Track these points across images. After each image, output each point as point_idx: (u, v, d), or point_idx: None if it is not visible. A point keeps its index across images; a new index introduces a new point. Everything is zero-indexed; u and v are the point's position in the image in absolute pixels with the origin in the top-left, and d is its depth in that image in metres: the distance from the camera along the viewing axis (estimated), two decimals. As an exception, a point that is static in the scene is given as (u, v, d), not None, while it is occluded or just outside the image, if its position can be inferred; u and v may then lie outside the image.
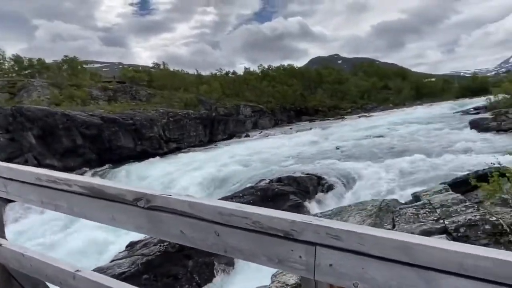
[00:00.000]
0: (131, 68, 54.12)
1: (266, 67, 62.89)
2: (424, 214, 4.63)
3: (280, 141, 23.85)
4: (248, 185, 11.72)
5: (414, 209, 4.80)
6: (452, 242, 0.83)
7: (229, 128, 34.72)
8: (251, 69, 60.82)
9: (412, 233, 4.40)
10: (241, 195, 9.93)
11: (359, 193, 10.02)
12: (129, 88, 34.28)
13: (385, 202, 5.52)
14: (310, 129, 30.62)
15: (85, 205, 1.45)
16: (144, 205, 1.22)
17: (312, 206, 10.72)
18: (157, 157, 21.78)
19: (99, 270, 8.29)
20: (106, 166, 20.29)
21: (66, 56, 41.00)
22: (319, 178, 11.79)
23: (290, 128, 35.65)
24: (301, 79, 59.73)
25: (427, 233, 4.29)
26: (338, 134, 24.02)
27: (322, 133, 25.70)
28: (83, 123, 20.31)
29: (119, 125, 21.86)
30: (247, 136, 33.36)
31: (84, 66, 45.57)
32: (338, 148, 17.73)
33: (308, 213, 9.78)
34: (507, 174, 4.81)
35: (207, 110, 33.85)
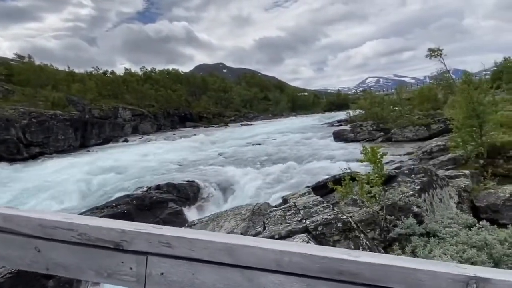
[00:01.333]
0: (-17, 58, 45.55)
1: (149, 69, 60.54)
2: (290, 216, 5.03)
3: (162, 147, 23.12)
4: (123, 193, 10.98)
5: (282, 211, 5.18)
6: (272, 240, 0.89)
7: (105, 132, 32.12)
8: (133, 71, 57.68)
9: (279, 233, 4.73)
10: (114, 204, 9.22)
11: (237, 198, 10.36)
12: (-22, 81, 28.76)
13: (258, 206, 5.81)
14: (194, 135, 30.52)
15: None
16: None
17: (192, 213, 10.63)
18: (13, 163, 18.74)
19: None
20: None
21: None
22: (200, 185, 11.79)
23: (174, 134, 34.92)
24: (186, 84, 59.30)
25: (292, 232, 4.66)
26: (221, 141, 24.55)
27: (206, 140, 25.89)
28: None
29: (-38, 125, 18.09)
30: (126, 141, 31.35)
31: None
32: (220, 155, 18.09)
33: (186, 220, 9.67)
34: (356, 178, 5.59)
35: (79, 111, 30.67)
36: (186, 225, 6.55)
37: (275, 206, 5.91)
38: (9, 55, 42.60)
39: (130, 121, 38.38)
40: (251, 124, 43.34)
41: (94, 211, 8.85)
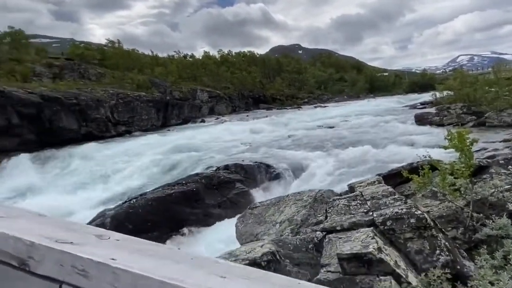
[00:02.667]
0: (82, 45, 50.87)
1: (226, 52, 61.90)
2: (355, 206, 4.56)
3: (235, 128, 23.53)
4: (194, 171, 11.33)
5: (346, 201, 4.72)
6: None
7: (184, 113, 33.78)
8: (211, 54, 59.54)
9: (342, 225, 4.30)
10: (184, 182, 9.54)
11: (304, 182, 10.01)
12: (77, 66, 32.08)
13: (321, 192, 5.42)
14: (266, 117, 30.56)
15: None
16: None
17: (259, 194, 10.57)
18: (104, 140, 20.69)
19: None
20: (48, 149, 18.90)
21: (11, 27, 37.46)
22: (268, 166, 11.66)
23: (247, 115, 35.42)
24: (261, 66, 59.50)
25: (356, 225, 4.21)
26: (293, 123, 24.16)
27: (277, 121, 25.72)
28: (19, 101, 18.64)
29: (61, 105, 20.35)
30: (203, 121, 32.66)
31: (32, 40, 41.93)
32: (290, 137, 17.77)
33: (252, 201, 9.63)
34: (438, 168, 4.86)
35: (161, 93, 32.62)
36: (248, 207, 6.43)
37: (340, 194, 5.45)
38: (103, 41, 46.75)
39: (207, 102, 39.82)
40: (325, 106, 42.06)
41: (165, 187, 9.25)
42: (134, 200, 8.62)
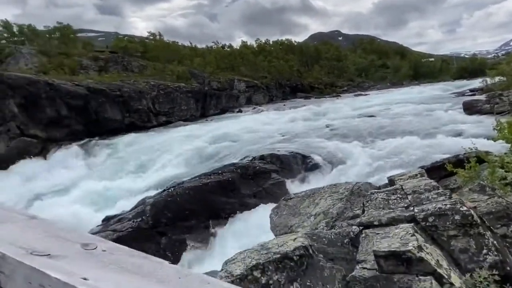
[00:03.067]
0: (126, 38, 52.73)
1: (263, 41, 61.51)
2: (395, 200, 4.34)
3: (272, 118, 23.42)
4: (230, 161, 11.43)
5: (385, 194, 4.51)
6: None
7: (222, 103, 34.13)
8: (249, 43, 59.44)
9: (380, 220, 4.12)
10: (220, 172, 9.65)
11: (341, 174, 9.76)
12: (121, 58, 33.32)
13: (358, 185, 5.23)
14: (304, 106, 30.12)
15: None
16: None
17: (295, 185, 10.48)
18: (146, 131, 21.43)
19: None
20: (94, 139, 19.94)
21: (59, 23, 39.59)
22: (304, 157, 11.51)
23: (284, 105, 35.10)
24: (298, 55, 58.56)
25: (396, 220, 4.01)
26: (331, 112, 23.63)
27: (315, 111, 25.27)
28: (68, 93, 19.71)
29: (106, 96, 21.28)
30: (240, 111, 32.83)
31: (79, 35, 44.10)
32: (328, 126, 17.39)
33: (287, 192, 9.57)
34: (486, 160, 4.51)
35: (200, 84, 33.14)
36: (283, 198, 6.37)
37: (378, 187, 5.23)
38: (145, 34, 48.14)
39: (244, 92, 39.94)
40: (366, 94, 40.71)
41: (202, 177, 9.41)
42: (172, 188, 8.85)
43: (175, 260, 8.19)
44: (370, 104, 26.26)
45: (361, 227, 4.24)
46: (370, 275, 3.24)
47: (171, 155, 14.57)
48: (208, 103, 32.15)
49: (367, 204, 4.58)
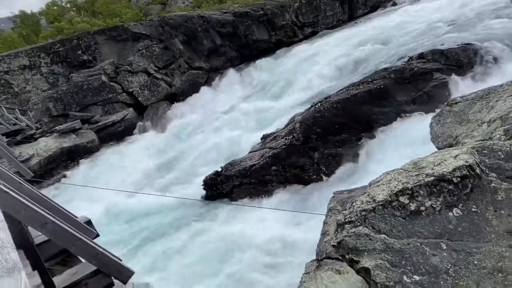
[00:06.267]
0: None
1: None
2: None
3: (436, 4, 19.48)
4: (383, 66, 10.27)
5: None
6: None
7: (372, -1, 30.22)
8: None
9: None
10: (370, 80, 8.81)
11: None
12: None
13: (557, 78, 3.82)
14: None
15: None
16: None
17: (465, 84, 8.75)
18: (292, 46, 21.26)
19: (237, 161, 9.13)
20: (247, 62, 21.12)
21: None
22: (478, 48, 9.32)
23: (451, -15, 28.53)
24: None
25: None
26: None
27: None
28: (218, 22, 20.89)
29: (251, 18, 21.63)
30: (394, 4, 28.39)
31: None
32: (515, 1, 13.32)
33: (456, 94, 8.10)
34: None
35: (344, -19, 29.80)
36: (446, 103, 5.35)
37: None
38: None
39: (398, -20, 34.11)
40: None
41: (349, 88, 8.83)
42: (319, 104, 8.65)
43: (330, 172, 8.32)
44: None
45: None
46: None
47: (319, 66, 14.14)
48: (356, 2, 28.97)
49: None
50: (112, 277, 2.51)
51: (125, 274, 2.46)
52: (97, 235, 3.33)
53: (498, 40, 9.12)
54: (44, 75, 19.76)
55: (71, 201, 9.80)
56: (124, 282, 2.52)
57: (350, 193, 5.12)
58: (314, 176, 8.16)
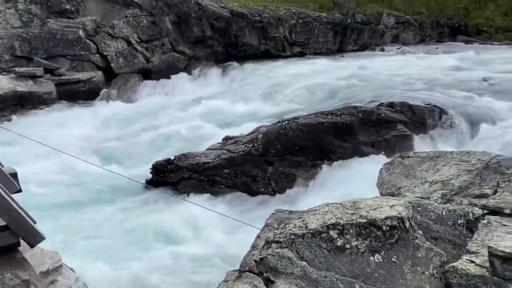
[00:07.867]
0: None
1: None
2: (546, 190, 3.30)
3: (417, 62, 20.51)
4: (354, 104, 10.63)
5: (534, 179, 3.47)
6: None
7: (363, 39, 31.24)
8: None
9: (514, 209, 3.22)
10: (338, 113, 9.08)
11: (482, 141, 8.14)
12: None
13: (497, 159, 4.13)
14: (461, 52, 25.39)
15: None
16: None
17: (424, 141, 9.27)
18: (279, 60, 21.50)
19: (192, 155, 9.03)
20: (231, 61, 21.05)
21: None
22: (442, 112, 9.92)
23: (437, 48, 30.07)
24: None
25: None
26: (495, 63, 19.34)
27: (474, 59, 21.03)
28: (213, 14, 20.71)
29: (247, 21, 21.66)
30: (382, 50, 29.62)
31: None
32: (486, 80, 14.38)
33: (412, 148, 8.55)
34: None
35: (343, 15, 30.71)
36: (399, 155, 5.63)
37: (526, 168, 4.08)
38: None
39: (392, 29, 35.57)
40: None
41: (318, 115, 9.05)
42: (286, 122, 8.78)
43: (278, 190, 8.43)
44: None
45: (485, 211, 3.42)
46: (477, 273, 2.60)
47: (296, 86, 14.37)
48: (347, 37, 29.89)
49: (503, 185, 3.64)
50: (20, 237, 2.36)
51: (34, 238, 2.32)
52: (19, 190, 3.13)
53: (461, 110, 9.78)
54: (19, 12, 18.51)
55: (2, 146, 9.20)
56: (32, 246, 2.37)
57: (290, 214, 5.20)
58: (262, 189, 8.23)
